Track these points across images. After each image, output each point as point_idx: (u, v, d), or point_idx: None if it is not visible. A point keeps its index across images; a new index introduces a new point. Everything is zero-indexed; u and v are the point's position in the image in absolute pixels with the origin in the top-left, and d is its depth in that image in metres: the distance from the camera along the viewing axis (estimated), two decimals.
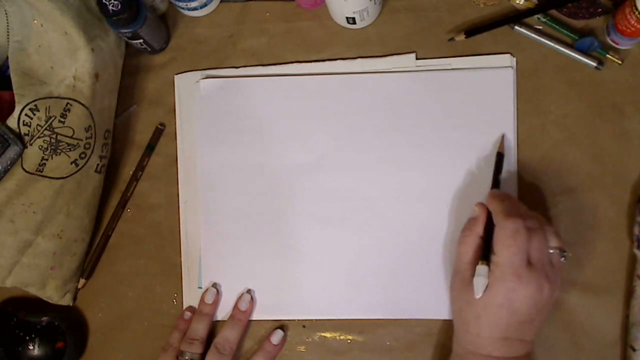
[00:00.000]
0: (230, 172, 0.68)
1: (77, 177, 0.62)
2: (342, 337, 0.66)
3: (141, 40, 0.65)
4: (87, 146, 0.62)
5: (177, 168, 0.69)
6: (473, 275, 0.55)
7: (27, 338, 0.65)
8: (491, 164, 0.64)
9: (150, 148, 0.69)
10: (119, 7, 0.60)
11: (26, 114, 0.56)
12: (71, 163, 0.61)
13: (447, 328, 0.64)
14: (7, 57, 0.58)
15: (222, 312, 0.67)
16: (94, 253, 0.68)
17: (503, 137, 0.65)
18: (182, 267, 0.68)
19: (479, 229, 0.58)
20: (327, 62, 0.68)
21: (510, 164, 0.65)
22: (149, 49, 0.68)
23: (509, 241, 0.54)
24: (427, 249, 0.65)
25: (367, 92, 0.67)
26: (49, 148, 0.58)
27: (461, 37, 0.66)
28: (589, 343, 0.63)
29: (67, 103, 0.59)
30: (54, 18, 0.58)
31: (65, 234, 0.63)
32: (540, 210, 0.64)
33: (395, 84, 0.67)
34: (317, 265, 0.66)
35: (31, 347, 0.65)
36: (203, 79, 0.69)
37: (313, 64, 0.68)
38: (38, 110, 0.57)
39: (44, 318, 0.65)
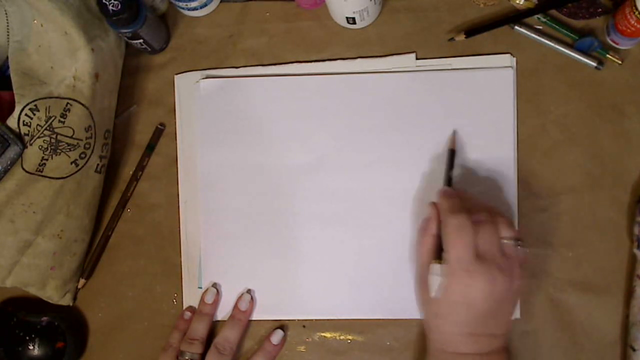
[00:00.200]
0: (230, 172, 0.68)
1: (77, 177, 0.62)
2: (342, 337, 0.66)
3: (141, 40, 0.65)
4: (87, 146, 0.62)
5: (177, 168, 0.69)
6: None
7: (27, 338, 0.65)
8: (491, 164, 0.64)
9: (150, 148, 0.69)
10: (119, 7, 0.60)
11: (26, 114, 0.56)
12: (71, 163, 0.61)
13: None
14: (7, 57, 0.58)
15: (222, 312, 0.67)
16: (94, 253, 0.68)
17: (454, 133, 0.65)
18: (182, 267, 0.68)
19: (433, 228, 0.58)
20: (327, 62, 0.68)
21: (510, 164, 0.65)
22: (149, 49, 0.68)
23: (454, 237, 0.54)
24: None
25: (367, 92, 0.67)
26: (49, 148, 0.58)
27: (461, 37, 0.66)
28: (589, 343, 0.63)
29: (67, 103, 0.59)
30: (54, 18, 0.58)
31: (65, 234, 0.63)
32: (540, 210, 0.64)
33: (395, 84, 0.67)
34: (317, 265, 0.66)
35: (31, 347, 0.65)
36: (203, 79, 0.69)
37: (313, 64, 0.68)
38: (38, 110, 0.57)
39: (44, 318, 0.65)
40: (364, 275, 0.65)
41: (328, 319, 0.66)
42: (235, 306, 0.66)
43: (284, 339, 0.66)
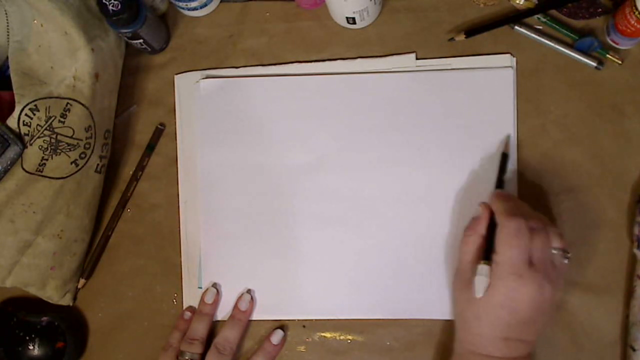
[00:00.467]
0: (230, 172, 0.68)
1: (77, 177, 0.62)
2: (342, 337, 0.66)
3: (141, 40, 0.65)
4: (87, 146, 0.62)
5: (177, 168, 0.69)
6: (474, 274, 0.55)
7: (27, 338, 0.65)
8: (491, 164, 0.64)
9: (150, 148, 0.69)
10: (119, 7, 0.60)
11: (26, 114, 0.56)
12: (71, 163, 0.61)
13: (447, 328, 0.64)
14: (7, 57, 0.58)
15: (222, 312, 0.67)
16: (94, 253, 0.68)
17: (509, 137, 0.65)
18: (182, 267, 0.68)
19: (482, 228, 0.58)
20: (327, 62, 0.68)
21: (510, 163, 0.65)
22: (149, 49, 0.68)
23: (511, 240, 0.54)
24: (427, 249, 0.65)
25: (367, 92, 0.67)
26: (49, 148, 0.58)
27: (461, 37, 0.66)
28: (589, 343, 0.63)
29: (67, 103, 0.59)
30: (54, 18, 0.58)
31: (65, 234, 0.63)
32: (540, 210, 0.64)
33: (395, 84, 0.67)
34: (317, 265, 0.66)
35: (31, 347, 0.65)
36: (203, 79, 0.69)
37: (313, 64, 0.68)
38: (38, 110, 0.57)
39: (44, 318, 0.65)
40: (364, 275, 0.65)
41: (328, 319, 0.66)
42: (235, 306, 0.66)
43: (284, 339, 0.66)
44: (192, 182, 0.68)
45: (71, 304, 0.67)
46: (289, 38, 0.69)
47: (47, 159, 0.58)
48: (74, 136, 0.60)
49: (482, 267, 0.55)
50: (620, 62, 0.65)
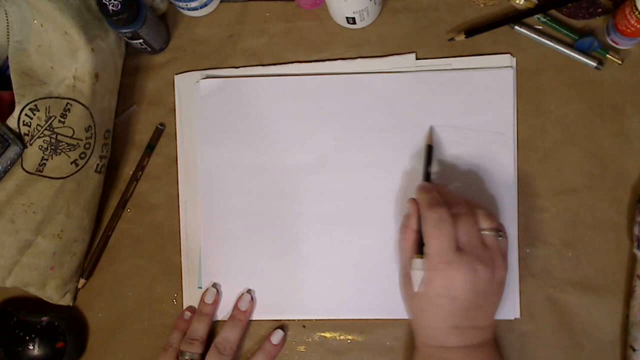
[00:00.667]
0: (231, 172, 0.68)
1: (77, 177, 0.62)
2: (342, 337, 0.66)
3: (141, 40, 0.65)
4: (87, 146, 0.62)
5: (177, 168, 0.69)
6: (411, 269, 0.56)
7: (27, 338, 0.65)
8: (491, 164, 0.64)
9: (150, 148, 0.69)
10: (119, 7, 0.60)
11: (26, 114, 0.56)
12: (71, 163, 0.61)
13: None
14: (7, 57, 0.58)
15: (222, 312, 0.67)
16: (94, 253, 0.68)
17: (431, 129, 0.65)
18: (182, 267, 0.68)
19: (414, 223, 0.58)
20: (327, 62, 0.68)
21: (510, 163, 0.65)
22: (149, 49, 0.68)
23: (434, 230, 0.54)
24: None
25: (367, 92, 0.67)
26: (49, 148, 0.58)
27: (461, 37, 0.66)
28: (589, 343, 0.63)
29: (67, 103, 0.59)
30: (54, 18, 0.58)
31: (65, 234, 0.63)
32: (541, 210, 0.64)
33: (395, 84, 0.67)
34: (317, 265, 0.66)
35: (31, 347, 0.65)
36: (203, 79, 0.69)
37: (313, 64, 0.68)
38: (38, 110, 0.57)
39: (44, 318, 0.65)
40: (364, 275, 0.65)
41: (328, 319, 0.66)
42: (235, 306, 0.66)
43: (284, 339, 0.66)
44: (192, 182, 0.68)
45: (71, 304, 0.67)
46: (289, 38, 0.69)
47: (47, 159, 0.58)
48: (74, 136, 0.60)
49: (416, 261, 0.56)
50: (620, 62, 0.65)
